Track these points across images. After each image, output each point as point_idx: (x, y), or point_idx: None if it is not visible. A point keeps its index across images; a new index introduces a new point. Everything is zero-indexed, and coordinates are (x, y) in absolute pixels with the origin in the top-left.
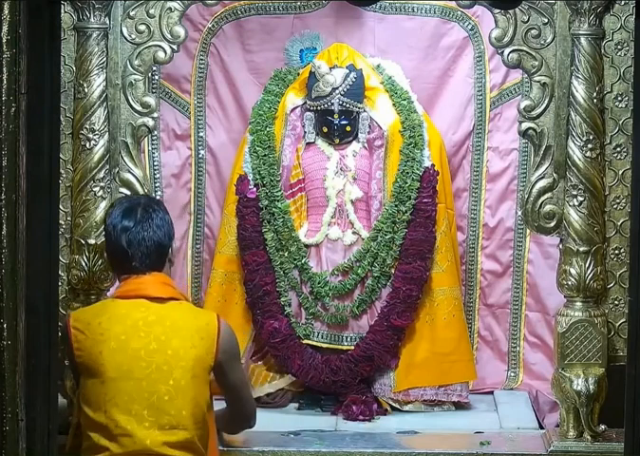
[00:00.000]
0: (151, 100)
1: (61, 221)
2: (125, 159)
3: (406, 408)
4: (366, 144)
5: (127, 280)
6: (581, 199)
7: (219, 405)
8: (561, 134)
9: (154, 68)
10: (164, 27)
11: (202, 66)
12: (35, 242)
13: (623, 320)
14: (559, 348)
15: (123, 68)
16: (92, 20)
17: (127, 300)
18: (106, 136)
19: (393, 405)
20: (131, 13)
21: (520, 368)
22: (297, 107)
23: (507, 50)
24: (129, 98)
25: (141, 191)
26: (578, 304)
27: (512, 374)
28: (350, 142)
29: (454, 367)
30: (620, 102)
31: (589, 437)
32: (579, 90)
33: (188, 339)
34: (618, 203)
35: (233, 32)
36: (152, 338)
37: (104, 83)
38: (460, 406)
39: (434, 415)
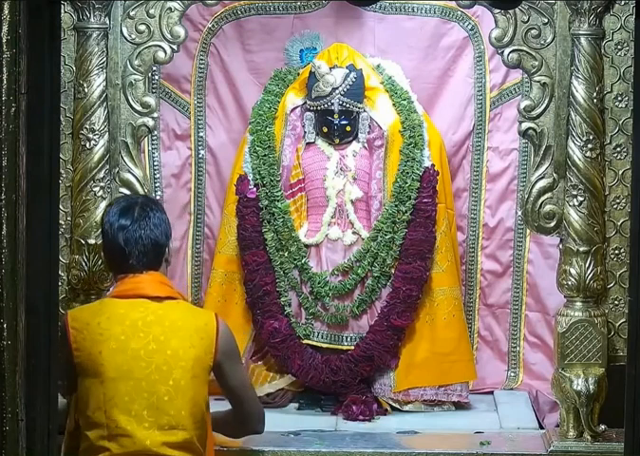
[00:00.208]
0: (151, 100)
1: (61, 221)
2: (125, 159)
3: (406, 408)
4: (366, 144)
5: (124, 280)
6: (581, 199)
7: (219, 406)
8: (561, 134)
9: (154, 68)
10: (164, 27)
11: (202, 66)
12: (35, 242)
13: (623, 320)
14: (559, 348)
15: (123, 68)
16: (92, 20)
17: (125, 300)
18: (106, 136)
19: (393, 405)
20: (131, 13)
21: (520, 368)
22: (297, 107)
23: (507, 50)
24: (129, 98)
25: (141, 191)
26: (578, 304)
27: (512, 374)
28: (350, 142)
29: (454, 367)
30: (620, 102)
31: (589, 437)
32: (579, 90)
33: (187, 339)
34: (618, 203)
35: (233, 32)
36: (151, 338)
37: (104, 83)
38: (460, 406)
39: (434, 415)
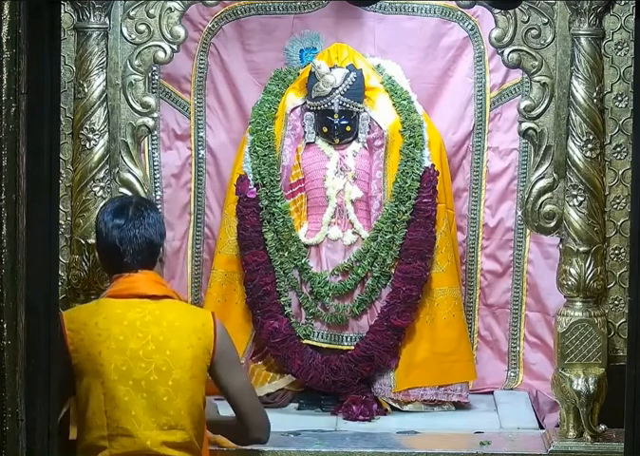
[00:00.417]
0: (151, 100)
1: (61, 221)
2: (125, 159)
3: (406, 408)
4: (366, 144)
5: (119, 279)
6: (581, 199)
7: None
8: (561, 134)
9: (154, 68)
10: (164, 27)
11: (202, 66)
12: (35, 242)
13: (623, 320)
14: (559, 348)
15: (123, 68)
16: (92, 20)
17: (122, 299)
18: (106, 136)
19: (393, 405)
20: (131, 13)
21: (520, 368)
22: (297, 107)
23: (507, 50)
24: (129, 98)
25: (141, 191)
26: (578, 304)
27: (512, 374)
28: (350, 142)
29: (454, 367)
30: (620, 102)
31: (589, 437)
32: (579, 90)
33: (186, 339)
34: (618, 203)
35: (233, 32)
36: (150, 339)
37: (104, 83)
38: (460, 406)
39: (434, 415)
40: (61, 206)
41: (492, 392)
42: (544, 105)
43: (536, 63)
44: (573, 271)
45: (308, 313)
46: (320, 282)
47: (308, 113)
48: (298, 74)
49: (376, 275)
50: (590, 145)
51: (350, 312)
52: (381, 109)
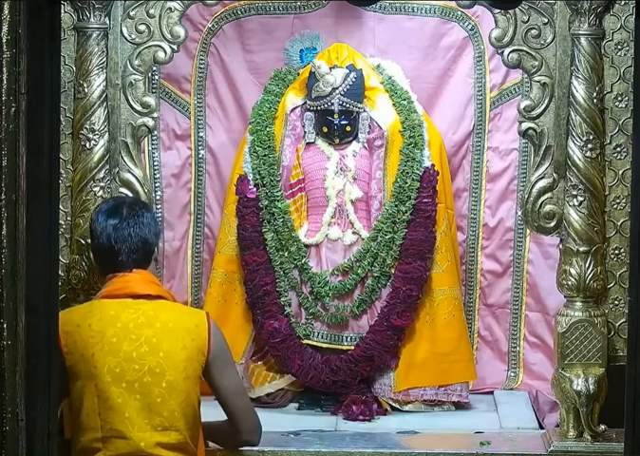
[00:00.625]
0: (151, 100)
1: (61, 221)
2: (125, 159)
3: (406, 408)
4: (366, 144)
5: (113, 279)
6: (581, 199)
7: (216, 407)
8: (561, 134)
9: (154, 68)
10: (164, 27)
11: (202, 66)
12: (35, 242)
13: (623, 320)
14: (559, 348)
15: (123, 68)
16: (92, 20)
17: (115, 300)
18: (106, 136)
19: (393, 405)
20: (131, 13)
21: (520, 368)
22: (297, 107)
23: (507, 50)
24: (129, 98)
25: (140, 191)
26: (578, 304)
27: (512, 374)
28: (350, 142)
29: (454, 367)
30: (620, 102)
31: (589, 437)
32: (579, 90)
33: (179, 341)
34: (618, 203)
35: (233, 32)
36: (143, 341)
37: (104, 83)
38: (460, 406)
39: (434, 415)
40: (61, 206)
41: (492, 392)
42: (544, 105)
43: (536, 63)
44: (573, 271)
45: (308, 313)
46: (320, 282)
47: (308, 113)
48: (298, 74)
49: (376, 275)
50: (590, 145)
51: (350, 312)
52: (381, 109)
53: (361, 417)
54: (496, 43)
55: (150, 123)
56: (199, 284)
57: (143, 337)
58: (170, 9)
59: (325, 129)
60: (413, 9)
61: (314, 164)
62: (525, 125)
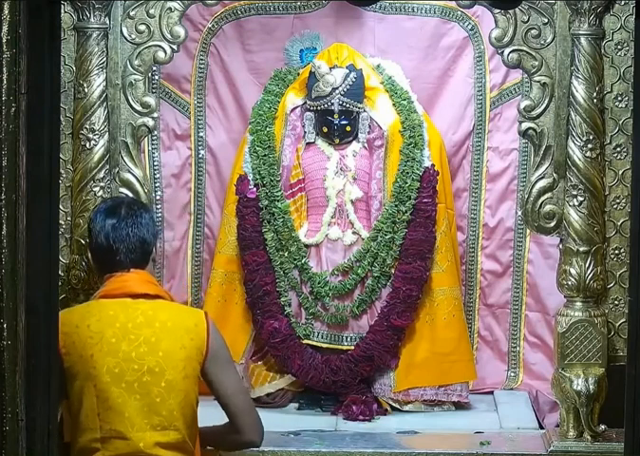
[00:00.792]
0: (151, 100)
1: (61, 221)
2: (125, 159)
3: (406, 408)
4: (366, 144)
5: (111, 279)
6: (581, 199)
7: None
8: (561, 134)
9: (154, 68)
10: (164, 27)
11: (202, 66)
12: (35, 242)
13: (623, 320)
14: (559, 348)
15: (123, 68)
16: (92, 20)
17: (113, 300)
18: (106, 136)
19: (393, 405)
20: (131, 13)
21: (520, 368)
22: (297, 107)
23: (507, 50)
24: (129, 98)
25: (140, 191)
26: (578, 304)
27: (512, 374)
28: (350, 142)
29: (454, 367)
30: (620, 102)
31: (589, 437)
32: (579, 90)
33: (178, 340)
34: (618, 203)
35: (233, 32)
36: (142, 341)
37: (104, 83)
38: (460, 406)
39: (434, 415)
40: (61, 206)
41: (492, 392)
42: (544, 105)
43: (536, 63)
44: (573, 271)
45: (308, 313)
46: (320, 282)
47: (308, 113)
48: (298, 74)
49: (376, 275)
50: (590, 145)
51: (350, 312)
52: (381, 109)
53: (361, 417)
54: (496, 43)
55: (150, 123)
56: (199, 284)
57: (142, 337)
58: (170, 9)
59: (325, 129)
60: (413, 9)
61: (314, 164)
62: (525, 125)
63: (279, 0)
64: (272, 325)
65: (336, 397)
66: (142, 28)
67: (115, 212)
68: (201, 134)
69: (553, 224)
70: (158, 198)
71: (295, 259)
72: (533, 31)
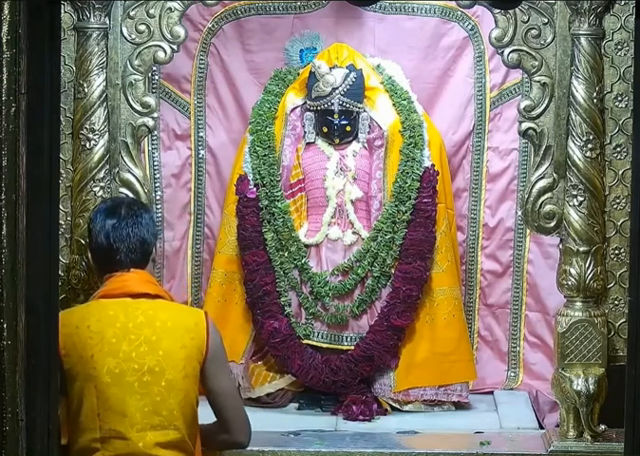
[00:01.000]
0: (151, 100)
1: (61, 221)
2: (125, 159)
3: (406, 408)
4: (366, 144)
5: (110, 279)
6: (581, 199)
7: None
8: (561, 134)
9: (154, 68)
10: (164, 27)
11: (202, 66)
12: (35, 242)
13: (623, 320)
14: (559, 348)
15: (123, 68)
16: (92, 20)
17: (113, 300)
18: (106, 136)
19: (393, 405)
20: (131, 13)
21: (520, 368)
22: (297, 107)
23: (507, 50)
24: (129, 98)
25: (140, 191)
26: (578, 304)
27: (512, 374)
28: (350, 142)
29: (454, 367)
30: (620, 102)
31: (589, 437)
32: (579, 90)
33: (178, 340)
34: (618, 203)
35: (233, 32)
36: (142, 340)
37: (104, 83)
38: (460, 406)
39: (434, 415)
40: (61, 206)
41: (492, 392)
42: (544, 105)
43: (536, 63)
44: (573, 271)
45: (308, 313)
46: (320, 282)
47: (308, 113)
48: (298, 74)
49: (376, 275)
50: (590, 145)
51: (350, 312)
52: (381, 109)
53: (361, 417)
54: (496, 43)
55: (150, 123)
56: (199, 284)
57: (143, 337)
58: (170, 9)
59: (325, 129)
60: (413, 9)
61: (314, 164)
62: (525, 125)
63: (279, 0)
64: (272, 325)
65: (336, 397)
66: (142, 28)
67: (115, 212)
68: (201, 134)
69: (553, 224)
70: (158, 198)
71: (295, 259)
72: (533, 31)
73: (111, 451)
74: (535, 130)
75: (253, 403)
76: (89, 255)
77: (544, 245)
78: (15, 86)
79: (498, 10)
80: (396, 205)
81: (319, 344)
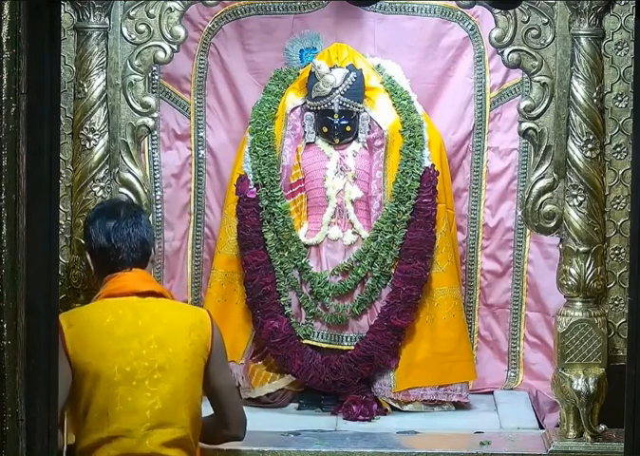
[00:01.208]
0: (151, 100)
1: (61, 221)
2: (125, 159)
3: (406, 408)
4: (366, 144)
5: (112, 279)
6: (581, 199)
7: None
8: (561, 134)
9: (154, 68)
10: (164, 27)
11: (202, 66)
12: (35, 242)
13: (623, 320)
14: (559, 348)
15: (123, 68)
16: (92, 20)
17: (120, 299)
18: (106, 136)
19: (393, 405)
20: (131, 13)
21: (520, 368)
22: (297, 107)
23: (507, 50)
24: (129, 98)
25: (140, 191)
26: (578, 304)
27: (512, 374)
28: (350, 142)
29: (454, 367)
30: (620, 102)
31: (589, 437)
32: (579, 90)
33: (187, 337)
34: (618, 203)
35: (233, 32)
36: (152, 338)
37: (104, 83)
38: (460, 406)
39: (434, 415)
40: (61, 206)
41: (492, 392)
42: (544, 105)
43: (536, 63)
44: (573, 271)
45: (308, 313)
46: (320, 282)
47: (308, 113)
48: (298, 74)
49: (376, 275)
50: (590, 145)
51: (350, 312)
52: (381, 109)
53: (361, 417)
54: (496, 43)
55: (150, 123)
56: (199, 284)
57: (152, 335)
58: (170, 9)
59: (325, 129)
60: (413, 9)
61: (314, 164)
62: (525, 125)
63: (279, 0)
64: (272, 325)
65: (336, 397)
66: (142, 28)
67: (114, 213)
68: (201, 134)
69: (553, 224)
70: (158, 198)
71: (295, 259)
72: (533, 31)
73: (118, 450)
74: (535, 130)
75: (253, 403)
76: (87, 256)
77: (544, 245)
78: (15, 86)
79: (498, 10)
80: (396, 205)
81: (319, 344)
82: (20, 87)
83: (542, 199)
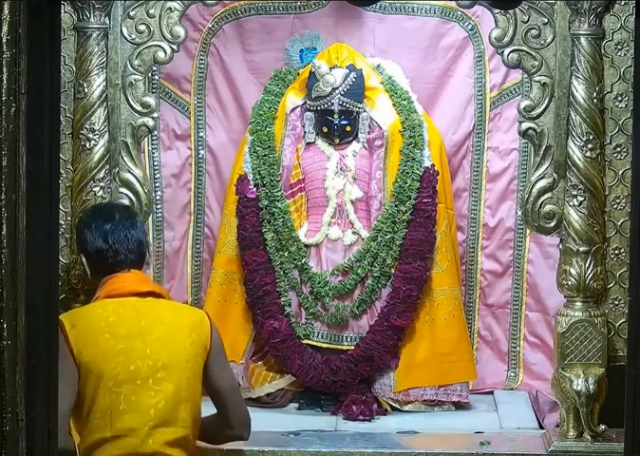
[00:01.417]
0: (151, 100)
1: (61, 221)
2: (125, 159)
3: (406, 408)
4: (366, 144)
5: (111, 280)
6: (581, 199)
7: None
8: (561, 134)
9: (154, 68)
10: (164, 27)
11: (202, 66)
12: (35, 242)
13: (623, 320)
14: (559, 348)
15: (123, 68)
16: (92, 20)
17: (122, 299)
18: (106, 136)
19: (393, 405)
20: (131, 13)
21: (520, 368)
22: (297, 107)
23: (507, 50)
24: (129, 98)
25: (140, 191)
26: (578, 304)
27: (512, 374)
28: (350, 142)
29: (454, 367)
30: (620, 102)
31: (589, 437)
32: (579, 90)
33: (188, 337)
34: (618, 203)
35: (233, 32)
36: (155, 337)
37: (104, 83)
38: (460, 406)
39: (434, 415)
40: (61, 206)
41: (492, 392)
42: (544, 105)
43: (536, 63)
44: (573, 271)
45: (308, 313)
46: (320, 282)
47: (308, 113)
48: (298, 74)
49: (376, 275)
50: (590, 145)
51: (350, 312)
52: (381, 109)
53: (361, 417)
54: (496, 43)
55: (150, 123)
56: (199, 284)
57: (155, 334)
58: (170, 9)
59: (325, 129)
60: (413, 9)
61: (314, 164)
62: (525, 125)
63: (279, 0)
64: (272, 325)
65: (336, 397)
66: (142, 28)
67: (110, 215)
68: (201, 134)
69: (553, 224)
70: (158, 198)
71: (295, 259)
72: (533, 31)
73: (121, 449)
74: (535, 130)
75: (253, 403)
76: (83, 259)
77: (544, 245)
78: (15, 86)
79: (498, 10)
80: (396, 205)
81: (319, 344)
82: (20, 87)
83: (542, 199)
